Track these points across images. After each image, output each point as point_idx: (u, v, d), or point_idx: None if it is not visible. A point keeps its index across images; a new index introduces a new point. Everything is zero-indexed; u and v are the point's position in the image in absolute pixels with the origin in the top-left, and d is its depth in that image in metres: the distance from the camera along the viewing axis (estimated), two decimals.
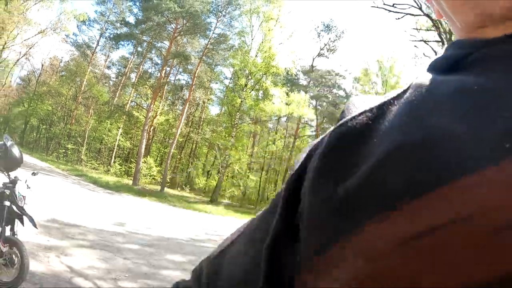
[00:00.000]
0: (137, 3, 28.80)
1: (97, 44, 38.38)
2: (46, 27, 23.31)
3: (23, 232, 4.20)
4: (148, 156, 29.67)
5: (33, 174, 4.46)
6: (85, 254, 5.56)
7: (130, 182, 24.94)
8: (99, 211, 10.53)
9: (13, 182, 4.00)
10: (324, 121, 37.96)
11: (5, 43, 21.08)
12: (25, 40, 22.98)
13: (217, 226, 12.89)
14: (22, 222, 3.96)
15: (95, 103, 35.69)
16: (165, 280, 5.21)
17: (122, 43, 32.00)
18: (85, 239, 6.59)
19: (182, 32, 26.91)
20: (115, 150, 33.38)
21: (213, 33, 27.07)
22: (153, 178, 27.83)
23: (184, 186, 31.40)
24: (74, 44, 38.26)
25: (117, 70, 43.94)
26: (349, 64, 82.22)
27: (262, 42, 25.11)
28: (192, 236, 9.62)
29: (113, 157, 32.84)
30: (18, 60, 25.08)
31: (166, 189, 24.85)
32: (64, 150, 32.38)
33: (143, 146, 26.73)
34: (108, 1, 36.58)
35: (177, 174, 33.90)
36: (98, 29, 37.84)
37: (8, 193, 3.90)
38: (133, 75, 39.75)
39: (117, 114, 32.61)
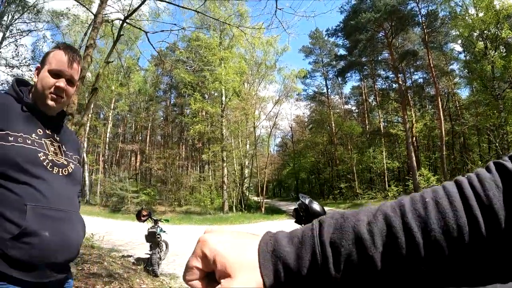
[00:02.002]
0: (339, 34, 29.73)
1: (327, 88, 41.75)
2: (278, 96, 27.37)
3: None
4: (422, 168, 27.72)
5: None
6: None
7: None
8: None
9: None
10: None
11: (254, 124, 26.04)
12: (267, 114, 27.66)
13: None
14: None
15: (350, 138, 37.45)
16: None
17: (347, 75, 33.18)
18: None
19: (393, 34, 25.55)
20: (386, 173, 33.19)
21: (421, 15, 24.81)
22: None
23: None
24: (308, 97, 43.20)
25: (356, 100, 45.65)
26: None
27: None
28: None
29: (386, 181, 32.62)
30: (270, 132, 30.21)
31: None
32: (338, 191, 34.93)
33: (413, 160, 25.74)
34: (313, 49, 40.05)
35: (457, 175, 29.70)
36: (320, 75, 41.52)
37: None
38: (371, 98, 40.09)
39: (375, 139, 32.82)
